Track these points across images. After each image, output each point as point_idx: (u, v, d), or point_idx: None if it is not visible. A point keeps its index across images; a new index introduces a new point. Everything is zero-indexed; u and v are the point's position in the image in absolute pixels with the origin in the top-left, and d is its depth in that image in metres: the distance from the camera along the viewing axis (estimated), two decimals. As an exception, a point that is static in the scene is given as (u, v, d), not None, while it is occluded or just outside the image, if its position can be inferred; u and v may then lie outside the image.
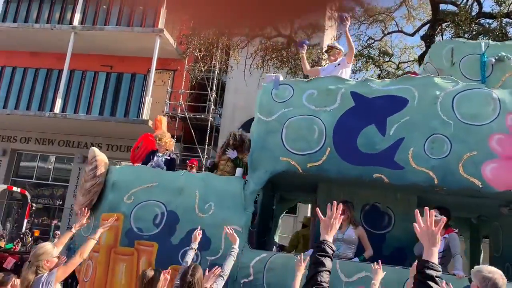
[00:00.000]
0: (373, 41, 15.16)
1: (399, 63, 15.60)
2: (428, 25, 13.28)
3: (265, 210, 5.94)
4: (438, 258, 4.29)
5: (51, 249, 3.55)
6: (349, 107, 4.87)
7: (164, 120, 6.54)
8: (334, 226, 2.25)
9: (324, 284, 2.13)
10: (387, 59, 14.93)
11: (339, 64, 5.46)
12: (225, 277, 3.66)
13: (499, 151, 4.48)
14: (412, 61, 15.64)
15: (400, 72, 14.55)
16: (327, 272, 2.16)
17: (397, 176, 4.63)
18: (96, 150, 5.22)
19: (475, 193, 4.61)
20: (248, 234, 4.88)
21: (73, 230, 4.04)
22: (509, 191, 4.43)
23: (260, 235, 5.64)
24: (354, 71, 14.32)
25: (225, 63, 16.95)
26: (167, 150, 5.71)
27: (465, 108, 4.65)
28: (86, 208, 4.36)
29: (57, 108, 15.31)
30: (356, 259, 4.65)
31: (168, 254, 4.71)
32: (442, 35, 13.44)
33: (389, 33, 15.33)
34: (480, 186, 4.46)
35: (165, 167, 5.53)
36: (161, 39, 15.64)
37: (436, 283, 1.98)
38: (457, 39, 6.19)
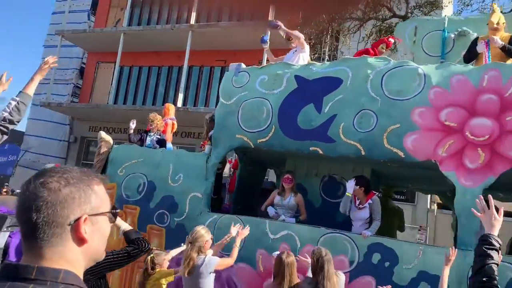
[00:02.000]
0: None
1: None
2: None
3: (247, 182, 6.72)
4: (365, 223, 4.88)
5: (205, 232, 4.17)
6: (292, 89, 5.49)
7: (172, 108, 7.65)
8: (498, 222, 2.34)
9: (494, 276, 2.19)
10: None
11: (296, 51, 6.03)
12: None
13: (420, 123, 4.78)
14: None
15: None
16: (496, 265, 2.22)
17: (330, 149, 5.16)
18: (102, 133, 6.49)
19: (432, 166, 4.86)
20: (213, 200, 5.81)
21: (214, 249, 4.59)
22: (429, 161, 4.72)
23: (237, 203, 6.47)
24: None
25: (335, 49, 16.65)
26: (158, 130, 6.82)
27: (392, 85, 4.99)
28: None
29: (179, 102, 16.22)
30: (293, 219, 5.32)
31: (147, 216, 5.83)
32: None
33: None
34: (402, 156, 4.81)
35: (157, 146, 6.64)
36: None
37: (496, 250, 2.23)
38: (420, 18, 6.20)
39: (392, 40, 5.92)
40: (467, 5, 13.93)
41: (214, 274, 4.07)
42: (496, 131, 4.47)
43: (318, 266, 3.84)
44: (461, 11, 14.15)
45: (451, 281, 3.94)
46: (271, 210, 5.47)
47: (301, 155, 5.73)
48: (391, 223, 6.89)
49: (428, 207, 13.52)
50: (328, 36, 15.38)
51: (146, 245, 3.07)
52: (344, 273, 4.49)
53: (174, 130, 7.52)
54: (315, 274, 3.87)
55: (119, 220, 3.04)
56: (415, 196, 13.39)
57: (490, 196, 2.43)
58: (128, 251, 2.99)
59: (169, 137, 7.20)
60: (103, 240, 1.15)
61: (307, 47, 6.03)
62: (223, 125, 5.78)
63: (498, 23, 5.08)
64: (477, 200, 2.48)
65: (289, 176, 5.52)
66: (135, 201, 5.98)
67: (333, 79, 5.30)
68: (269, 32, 6.84)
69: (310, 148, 5.26)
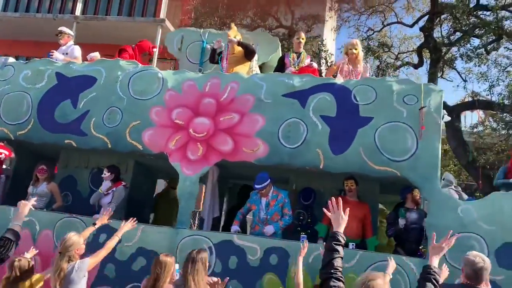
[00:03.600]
0: (372, 32, 15.34)
1: (398, 53, 15.69)
2: (427, 16, 13.38)
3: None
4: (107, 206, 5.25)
5: (79, 239, 3.93)
6: (52, 85, 5.85)
7: None
8: (344, 221, 2.84)
9: (339, 268, 2.64)
10: (386, 50, 14.97)
11: None
12: None
13: (156, 120, 5.50)
14: (411, 51, 15.75)
15: (399, 63, 14.92)
16: (341, 258, 2.68)
17: (83, 142, 5.64)
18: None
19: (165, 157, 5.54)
20: None
21: (96, 227, 4.53)
22: (162, 153, 5.45)
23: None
24: None
25: None
26: None
27: (137, 86, 5.65)
28: (110, 209, 4.86)
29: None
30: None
31: None
32: (440, 26, 13.64)
33: (388, 24, 15.41)
34: (141, 148, 5.49)
35: None
36: (162, 29, 15.68)
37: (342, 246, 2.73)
38: (187, 28, 7.05)
39: (155, 50, 6.61)
40: (346, 21, 15.49)
41: (86, 277, 3.85)
42: (212, 129, 5.37)
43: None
44: (340, 26, 15.58)
45: (165, 250, 4.69)
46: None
47: (73, 148, 6.10)
48: (172, 211, 7.60)
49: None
50: None
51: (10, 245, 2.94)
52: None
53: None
54: None
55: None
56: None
57: (340, 199, 2.91)
58: None
59: None
60: None
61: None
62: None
63: (235, 36, 6.05)
64: (330, 201, 2.91)
65: (44, 167, 5.83)
66: None
67: (89, 77, 5.79)
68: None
69: (65, 141, 5.67)
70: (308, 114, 5.24)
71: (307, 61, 6.09)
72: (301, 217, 5.91)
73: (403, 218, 5.14)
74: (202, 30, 6.91)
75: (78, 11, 16.77)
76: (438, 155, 4.94)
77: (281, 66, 6.14)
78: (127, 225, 4.41)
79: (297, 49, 6.16)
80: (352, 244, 4.90)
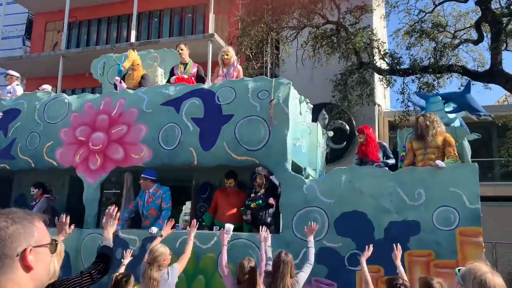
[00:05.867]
0: (424, 14, 14.63)
1: (455, 31, 14.91)
2: None
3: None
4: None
5: (165, 250, 4.18)
6: (-9, 120, 7.03)
7: None
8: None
9: None
10: (441, 30, 14.38)
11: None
12: (311, 265, 4.32)
13: (64, 139, 6.49)
14: (469, 27, 14.94)
15: (457, 41, 14.40)
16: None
17: (13, 164, 6.74)
18: None
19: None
20: None
21: (162, 238, 4.74)
22: (71, 167, 6.41)
23: None
24: (408, 47, 14.54)
25: (276, 57, 17.34)
26: None
27: (50, 112, 6.68)
28: (173, 220, 5.10)
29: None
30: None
31: None
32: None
33: (440, 3, 14.56)
34: (55, 164, 6.49)
35: None
36: (212, 43, 16.34)
37: None
38: (108, 55, 7.91)
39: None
40: (394, 7, 14.99)
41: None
42: (106, 141, 6.26)
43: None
44: (389, 13, 15.17)
45: (73, 249, 5.65)
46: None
47: (22, 170, 7.23)
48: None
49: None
50: (268, 46, 16.10)
51: (106, 264, 2.82)
52: None
53: None
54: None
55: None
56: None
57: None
58: (90, 271, 2.73)
59: None
60: (46, 268, 1.37)
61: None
62: None
63: (132, 64, 6.91)
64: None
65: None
66: None
67: (15, 110, 6.91)
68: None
69: (1, 165, 6.81)
70: (182, 118, 5.98)
71: (193, 70, 6.82)
72: (202, 209, 6.62)
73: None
74: (116, 55, 7.78)
75: (132, 38, 17.56)
76: (286, 141, 5.48)
77: (171, 76, 6.90)
78: (193, 229, 4.74)
79: (182, 60, 6.90)
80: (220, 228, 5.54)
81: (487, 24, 13.15)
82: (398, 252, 4.24)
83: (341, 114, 15.66)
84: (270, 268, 4.12)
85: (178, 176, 6.87)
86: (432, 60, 13.59)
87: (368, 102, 14.85)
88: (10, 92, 7.76)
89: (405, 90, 14.09)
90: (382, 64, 15.01)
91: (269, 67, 17.14)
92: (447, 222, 4.73)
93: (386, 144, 6.18)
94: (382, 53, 14.47)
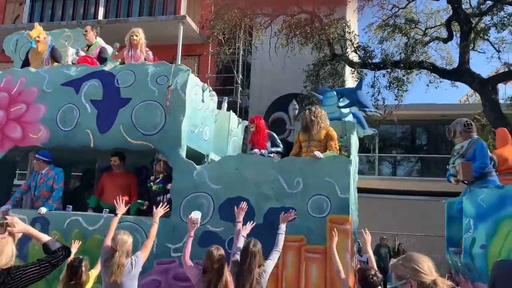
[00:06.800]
0: (397, 9, 14.90)
1: (426, 29, 15.20)
2: None
3: None
4: None
5: (128, 237, 4.15)
6: None
7: None
8: None
9: None
10: (413, 26, 14.60)
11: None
12: (279, 252, 4.24)
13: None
14: (439, 25, 15.26)
15: (428, 38, 14.64)
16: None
17: None
18: None
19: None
20: None
21: (118, 216, 4.61)
22: None
23: None
24: (380, 41, 14.82)
25: (249, 44, 17.06)
26: None
27: None
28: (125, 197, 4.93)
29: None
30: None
31: None
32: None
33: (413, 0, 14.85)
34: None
35: None
36: (184, 25, 15.90)
37: None
38: (21, 31, 7.73)
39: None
40: (368, 0, 14.99)
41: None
42: (4, 119, 6.14)
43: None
44: (363, 6, 15.19)
45: None
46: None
47: None
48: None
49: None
50: (242, 31, 15.86)
51: (67, 252, 2.94)
52: None
53: None
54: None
55: (37, 232, 2.97)
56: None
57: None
58: (49, 260, 2.81)
59: None
60: None
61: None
62: None
63: (38, 36, 6.76)
64: None
65: None
66: None
67: None
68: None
69: None
70: (81, 99, 5.95)
71: (97, 51, 6.78)
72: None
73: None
74: (28, 31, 7.56)
75: (100, 16, 17.00)
76: (181, 127, 5.57)
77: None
78: (160, 211, 4.56)
79: (88, 42, 6.86)
80: (106, 210, 5.60)
81: (457, 23, 13.44)
82: (367, 237, 4.23)
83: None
84: (238, 257, 4.06)
85: (85, 159, 6.84)
86: (403, 55, 13.78)
87: None
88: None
89: (375, 84, 14.31)
90: (354, 57, 15.09)
91: (241, 53, 17.04)
92: (319, 210, 4.99)
93: (275, 134, 6.38)
94: (355, 46, 14.59)
